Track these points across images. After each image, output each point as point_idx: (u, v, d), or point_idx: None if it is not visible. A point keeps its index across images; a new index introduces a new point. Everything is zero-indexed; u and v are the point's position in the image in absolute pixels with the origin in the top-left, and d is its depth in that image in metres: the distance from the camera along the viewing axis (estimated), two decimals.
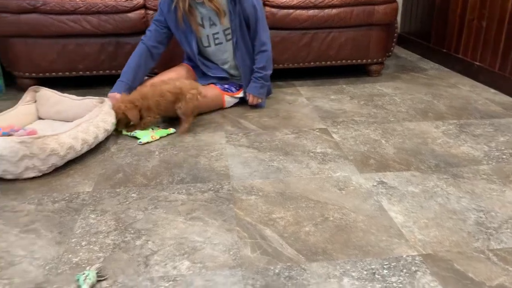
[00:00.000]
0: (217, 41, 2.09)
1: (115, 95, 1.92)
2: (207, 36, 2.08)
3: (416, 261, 1.08)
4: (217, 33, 2.06)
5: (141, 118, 1.83)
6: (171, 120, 1.94)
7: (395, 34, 2.65)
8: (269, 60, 2.09)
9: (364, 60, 2.56)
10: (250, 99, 2.11)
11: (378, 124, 1.92)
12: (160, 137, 1.81)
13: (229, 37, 2.07)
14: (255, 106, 2.13)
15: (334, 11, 2.38)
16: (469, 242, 1.15)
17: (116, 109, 1.78)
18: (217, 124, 1.95)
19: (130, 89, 1.95)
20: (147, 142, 1.76)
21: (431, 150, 1.67)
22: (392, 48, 2.67)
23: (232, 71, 2.16)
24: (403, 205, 1.31)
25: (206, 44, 2.10)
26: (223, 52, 2.12)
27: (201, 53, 2.15)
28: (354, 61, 2.55)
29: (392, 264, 1.07)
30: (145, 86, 1.89)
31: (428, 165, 1.55)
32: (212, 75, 2.15)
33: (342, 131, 1.85)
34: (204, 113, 2.05)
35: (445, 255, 1.10)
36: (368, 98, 2.25)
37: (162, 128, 1.87)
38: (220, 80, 2.15)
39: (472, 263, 1.07)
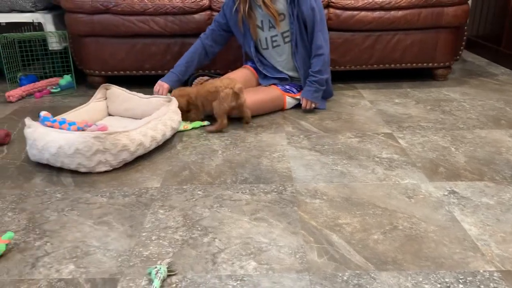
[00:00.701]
0: (275, 44, 2.09)
1: (163, 84, 2.07)
2: (265, 38, 2.09)
3: (495, 278, 1.02)
4: (276, 35, 2.07)
5: (188, 111, 1.94)
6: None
7: (464, 37, 2.53)
8: (326, 64, 2.05)
9: (430, 64, 2.47)
10: (304, 103, 2.07)
11: (447, 130, 1.84)
12: (192, 128, 1.92)
13: (288, 39, 2.07)
14: (311, 110, 2.10)
15: (400, 13, 2.32)
16: None
17: (172, 94, 1.99)
18: (278, 125, 1.95)
19: (179, 81, 2.12)
20: (178, 131, 1.87)
21: (506, 160, 1.58)
22: (460, 52, 2.56)
23: (291, 73, 2.15)
24: (477, 217, 1.25)
25: (264, 46, 2.11)
26: (281, 55, 2.12)
27: (259, 54, 2.17)
28: (419, 64, 2.46)
29: (468, 278, 1.02)
30: (204, 85, 1.96)
31: (503, 176, 1.47)
32: (271, 76, 2.15)
33: (409, 136, 1.79)
34: (265, 114, 2.06)
35: None
36: (435, 103, 2.17)
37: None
38: (281, 81, 2.15)
39: None
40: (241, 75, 2.13)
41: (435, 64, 2.47)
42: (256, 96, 2.03)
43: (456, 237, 1.17)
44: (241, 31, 2.09)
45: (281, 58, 2.13)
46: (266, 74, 2.16)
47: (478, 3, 3.14)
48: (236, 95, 1.84)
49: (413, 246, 1.13)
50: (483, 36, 3.10)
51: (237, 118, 1.96)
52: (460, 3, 2.33)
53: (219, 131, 1.88)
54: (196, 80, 2.44)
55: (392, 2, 2.29)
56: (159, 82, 2.08)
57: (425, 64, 2.47)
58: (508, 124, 1.89)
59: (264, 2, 1.96)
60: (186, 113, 1.94)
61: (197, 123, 1.94)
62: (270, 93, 2.07)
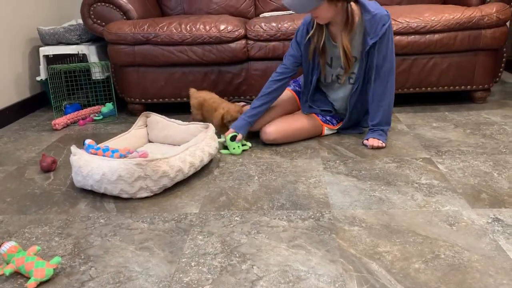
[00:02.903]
0: (339, 81, 2.04)
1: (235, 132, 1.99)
2: (332, 74, 2.03)
3: None
4: (341, 75, 2.01)
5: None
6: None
7: (503, 59, 2.48)
8: (386, 114, 1.96)
9: (468, 87, 2.43)
10: (370, 142, 1.94)
11: (488, 155, 1.80)
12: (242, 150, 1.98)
13: (352, 81, 2.00)
14: (346, 135, 2.09)
15: (436, 36, 2.30)
16: None
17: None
18: (313, 150, 1.96)
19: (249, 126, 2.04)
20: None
21: None
22: (500, 74, 2.50)
23: (338, 107, 2.11)
24: None
25: (328, 80, 2.06)
26: (339, 92, 2.07)
27: (317, 85, 2.11)
28: (457, 87, 2.43)
29: None
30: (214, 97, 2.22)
31: None
32: (316, 107, 2.11)
33: (448, 161, 1.76)
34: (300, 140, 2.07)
35: None
36: (475, 127, 2.12)
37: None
38: (323, 111, 2.12)
39: None
40: (281, 101, 2.13)
41: (474, 87, 2.43)
42: (296, 124, 2.04)
43: (502, 267, 1.13)
44: (309, 62, 2.00)
45: (338, 96, 2.07)
46: (314, 100, 2.12)
47: None
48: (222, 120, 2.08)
49: (457, 276, 1.10)
50: None
51: (277, 144, 2.00)
52: (498, 25, 2.29)
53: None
54: None
55: (427, 26, 2.28)
56: (231, 130, 1.99)
57: (463, 87, 2.43)
58: None
59: (344, 51, 1.86)
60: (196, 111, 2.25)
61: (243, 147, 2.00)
62: (309, 122, 2.07)
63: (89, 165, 1.58)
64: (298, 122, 2.06)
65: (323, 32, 1.90)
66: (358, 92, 1.98)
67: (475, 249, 1.20)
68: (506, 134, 2.01)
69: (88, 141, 1.75)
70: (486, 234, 1.27)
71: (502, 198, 1.46)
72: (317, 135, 2.11)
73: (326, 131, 2.11)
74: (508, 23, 2.68)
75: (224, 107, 2.09)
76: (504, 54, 2.48)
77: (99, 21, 2.51)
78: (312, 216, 1.42)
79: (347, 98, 2.04)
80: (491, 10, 2.27)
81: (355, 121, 2.10)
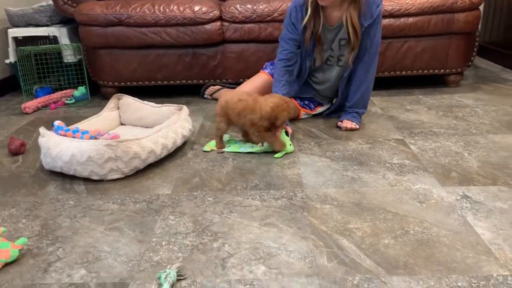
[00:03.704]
0: (328, 63, 2.00)
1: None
2: (323, 57, 1.99)
3: (509, 282, 1.00)
4: (332, 57, 1.98)
5: None
6: None
7: (476, 43, 2.51)
8: (365, 98, 1.98)
9: (442, 70, 2.46)
10: (344, 123, 1.95)
11: (460, 136, 1.82)
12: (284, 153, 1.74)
13: (341, 63, 1.98)
14: (322, 117, 2.09)
15: (410, 20, 2.31)
16: None
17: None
18: None
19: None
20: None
21: None
22: (472, 58, 2.54)
23: (322, 90, 2.09)
24: (490, 221, 1.23)
25: (317, 64, 2.02)
26: (327, 74, 2.04)
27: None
28: (431, 71, 2.45)
29: (482, 283, 1.00)
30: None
31: None
32: (297, 94, 2.08)
33: (420, 142, 1.78)
34: None
35: None
36: (447, 109, 2.15)
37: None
38: (302, 95, 2.10)
39: None
40: (260, 83, 2.11)
41: (447, 71, 2.46)
42: None
43: (469, 241, 1.15)
44: (306, 48, 1.93)
45: (325, 78, 2.04)
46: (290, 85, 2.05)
47: (491, 9, 3.13)
48: (264, 118, 1.68)
49: (425, 251, 1.12)
50: (496, 43, 3.07)
51: None
52: (471, 9, 2.32)
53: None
54: (207, 90, 2.48)
55: (402, 9, 2.29)
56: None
57: (436, 70, 2.45)
58: None
59: (354, 28, 1.80)
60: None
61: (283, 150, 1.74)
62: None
63: (58, 146, 1.54)
64: None
65: (320, 17, 1.84)
66: (346, 75, 1.97)
67: (444, 225, 1.22)
68: (478, 116, 2.04)
69: (57, 123, 1.70)
70: (455, 210, 1.29)
71: (471, 176, 1.48)
72: (295, 117, 2.10)
73: (302, 115, 2.10)
74: (481, 8, 2.72)
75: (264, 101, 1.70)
76: (477, 39, 2.51)
77: (69, 2, 2.44)
78: (285, 196, 1.42)
79: (334, 81, 2.02)
80: None
81: (342, 104, 2.07)
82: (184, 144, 1.83)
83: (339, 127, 1.96)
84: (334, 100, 2.09)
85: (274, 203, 1.38)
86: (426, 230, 1.20)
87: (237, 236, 1.21)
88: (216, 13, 2.32)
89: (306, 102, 2.11)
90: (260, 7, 2.31)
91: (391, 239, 1.17)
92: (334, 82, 2.04)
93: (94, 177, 1.54)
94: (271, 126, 1.70)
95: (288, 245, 1.17)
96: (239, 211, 1.34)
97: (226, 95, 1.76)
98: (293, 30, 1.89)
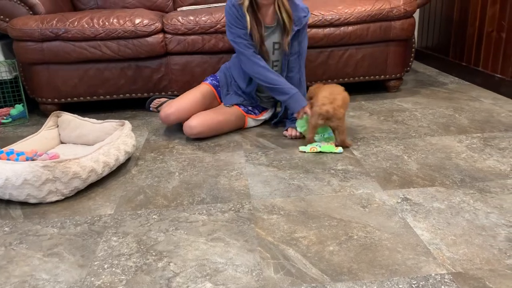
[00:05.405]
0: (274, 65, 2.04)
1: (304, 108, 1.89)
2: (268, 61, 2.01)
3: (446, 280, 1.04)
4: (267, 62, 1.99)
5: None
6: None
7: (413, 49, 2.63)
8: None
9: (382, 76, 2.55)
10: (289, 132, 1.99)
11: (400, 139, 1.89)
12: (320, 151, 1.80)
13: (277, 69, 2.02)
14: (276, 126, 2.12)
15: (350, 28, 2.39)
16: (500, 259, 1.10)
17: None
18: (236, 143, 1.95)
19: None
20: (304, 152, 1.82)
21: (456, 164, 1.63)
22: (410, 63, 2.65)
23: (264, 96, 2.12)
24: (429, 222, 1.28)
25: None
26: None
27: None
28: (372, 77, 2.54)
29: (421, 283, 1.03)
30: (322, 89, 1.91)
31: (453, 180, 1.51)
32: (240, 96, 2.09)
33: (363, 147, 1.83)
34: (224, 133, 2.06)
35: (476, 273, 1.06)
36: (388, 114, 2.23)
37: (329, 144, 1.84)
38: (246, 101, 2.10)
39: (505, 281, 1.03)
40: (200, 94, 2.10)
41: (387, 76, 2.55)
42: (219, 116, 2.02)
43: (409, 243, 1.19)
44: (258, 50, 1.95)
45: None
46: (229, 93, 2.10)
47: (425, 16, 3.29)
48: (323, 116, 1.78)
49: (368, 255, 1.14)
50: (432, 47, 3.23)
51: (200, 138, 1.97)
52: (406, 17, 2.42)
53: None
54: (153, 103, 2.43)
55: (341, 19, 2.36)
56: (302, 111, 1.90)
57: (377, 76, 2.54)
58: (457, 130, 1.96)
59: (287, 12, 1.87)
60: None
61: (328, 148, 1.81)
62: (232, 114, 2.05)
63: None
64: (221, 115, 2.04)
65: (259, 18, 1.91)
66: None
67: (385, 228, 1.26)
68: (416, 120, 2.13)
69: None
70: (396, 213, 1.33)
71: (411, 179, 1.54)
72: (241, 127, 2.10)
73: (249, 122, 2.11)
74: (417, 15, 2.85)
75: (319, 99, 1.81)
76: (414, 45, 2.62)
77: (1, 17, 2.32)
78: (232, 208, 1.41)
79: None
80: (398, 3, 2.39)
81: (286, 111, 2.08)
82: (127, 160, 1.78)
83: (285, 136, 1.99)
84: (279, 109, 2.11)
85: (221, 216, 1.37)
86: (369, 235, 1.23)
87: (183, 253, 1.19)
88: (158, 25, 2.29)
89: (250, 108, 2.11)
90: (203, 18, 2.30)
91: (335, 246, 1.19)
92: None
93: (32, 201, 1.47)
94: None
95: (235, 259, 1.16)
96: (185, 227, 1.32)
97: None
98: (241, 25, 1.88)
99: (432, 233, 1.22)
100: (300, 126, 1.94)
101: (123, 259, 1.18)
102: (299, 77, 2.01)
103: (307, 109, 1.87)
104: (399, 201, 1.40)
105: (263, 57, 1.96)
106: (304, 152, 1.81)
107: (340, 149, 1.80)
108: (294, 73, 1.99)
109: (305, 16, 1.92)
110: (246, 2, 1.84)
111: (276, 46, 1.98)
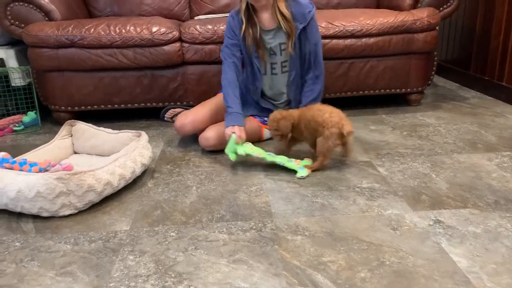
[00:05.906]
0: (273, 71, 2.00)
1: (238, 128, 1.79)
2: (266, 64, 1.99)
3: None
4: (276, 63, 1.98)
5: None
6: None
7: (435, 62, 2.56)
8: (319, 97, 1.99)
9: (403, 89, 2.47)
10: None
11: (426, 156, 1.81)
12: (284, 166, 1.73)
13: (285, 69, 1.99)
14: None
15: (372, 40, 2.32)
16: None
17: (271, 117, 1.81)
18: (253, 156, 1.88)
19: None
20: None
21: (487, 185, 1.55)
22: (432, 77, 2.58)
23: (278, 101, 2.08)
24: (465, 247, 1.20)
25: (263, 71, 2.00)
26: (276, 84, 2.04)
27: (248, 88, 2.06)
28: (393, 90, 2.46)
29: None
30: (310, 109, 1.78)
31: (487, 202, 1.43)
32: (254, 106, 2.06)
33: (388, 164, 1.75)
34: None
35: None
36: (411, 129, 2.15)
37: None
38: (261, 112, 2.06)
39: None
40: (216, 105, 2.04)
41: (409, 90, 2.48)
42: None
43: (446, 270, 1.11)
44: (249, 54, 1.94)
45: (276, 88, 2.04)
46: (246, 103, 2.04)
47: (445, 29, 3.22)
48: (343, 136, 1.66)
49: (402, 283, 1.06)
50: (452, 61, 3.15)
51: (217, 151, 1.91)
52: (430, 29, 2.35)
53: (319, 169, 1.72)
54: (168, 113, 2.38)
55: (363, 30, 2.30)
56: (231, 129, 1.78)
57: (398, 90, 2.47)
58: (484, 148, 1.88)
59: (283, 15, 1.85)
60: (283, 138, 1.81)
61: (293, 166, 1.71)
62: (248, 125, 2.00)
63: (2, 181, 1.39)
64: None
65: (256, 22, 1.89)
66: (296, 81, 1.98)
67: (419, 253, 1.18)
68: (441, 135, 2.05)
69: (2, 154, 1.56)
70: (429, 237, 1.25)
71: (441, 199, 1.46)
72: (258, 139, 2.03)
73: (266, 133, 2.05)
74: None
75: (330, 122, 1.68)
76: (436, 58, 2.55)
77: (17, 23, 2.28)
78: (254, 227, 1.34)
79: (283, 88, 2.03)
80: (422, 15, 2.33)
81: None
82: (143, 172, 1.72)
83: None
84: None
85: (242, 236, 1.29)
86: (402, 260, 1.15)
87: (203, 276, 1.12)
88: (176, 34, 2.24)
89: (266, 119, 2.05)
90: (221, 28, 2.25)
91: (367, 272, 1.11)
92: (283, 90, 2.04)
93: (44, 214, 1.41)
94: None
95: (260, 283, 1.08)
96: (205, 246, 1.25)
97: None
98: (232, 35, 1.93)
99: (470, 260, 1.14)
100: (227, 148, 1.76)
101: (140, 280, 1.11)
102: (315, 75, 1.95)
103: (238, 132, 1.76)
104: (431, 223, 1.32)
105: (260, 60, 1.95)
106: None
107: (302, 172, 1.67)
108: (309, 72, 1.95)
109: (309, 12, 1.88)
110: (243, 6, 1.86)
111: (283, 46, 1.95)
